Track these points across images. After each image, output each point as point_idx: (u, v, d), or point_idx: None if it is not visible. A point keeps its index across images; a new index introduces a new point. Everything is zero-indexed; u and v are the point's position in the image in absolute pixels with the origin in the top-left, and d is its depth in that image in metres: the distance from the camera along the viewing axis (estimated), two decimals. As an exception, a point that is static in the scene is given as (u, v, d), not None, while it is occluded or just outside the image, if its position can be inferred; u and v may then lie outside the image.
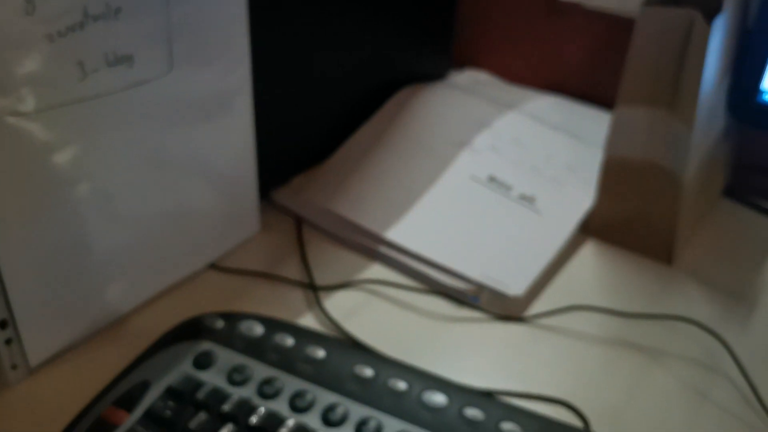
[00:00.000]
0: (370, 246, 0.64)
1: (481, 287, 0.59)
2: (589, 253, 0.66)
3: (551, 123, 0.76)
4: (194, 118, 0.55)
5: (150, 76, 0.51)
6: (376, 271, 0.63)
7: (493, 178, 0.69)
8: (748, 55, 0.65)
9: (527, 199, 0.67)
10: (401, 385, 0.47)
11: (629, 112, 0.61)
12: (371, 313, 0.58)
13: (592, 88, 0.82)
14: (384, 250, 0.63)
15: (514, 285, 0.59)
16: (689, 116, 0.58)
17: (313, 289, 0.60)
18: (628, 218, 0.65)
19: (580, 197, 0.68)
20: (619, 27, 0.78)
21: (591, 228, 0.67)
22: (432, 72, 0.83)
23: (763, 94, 0.65)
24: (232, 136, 0.60)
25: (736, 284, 0.63)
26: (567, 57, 0.83)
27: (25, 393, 0.50)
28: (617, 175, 0.64)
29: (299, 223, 0.67)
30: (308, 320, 0.57)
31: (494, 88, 0.84)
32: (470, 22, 0.88)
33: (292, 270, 0.62)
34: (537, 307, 0.60)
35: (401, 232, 0.63)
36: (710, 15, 0.56)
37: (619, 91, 0.61)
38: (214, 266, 0.62)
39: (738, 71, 0.66)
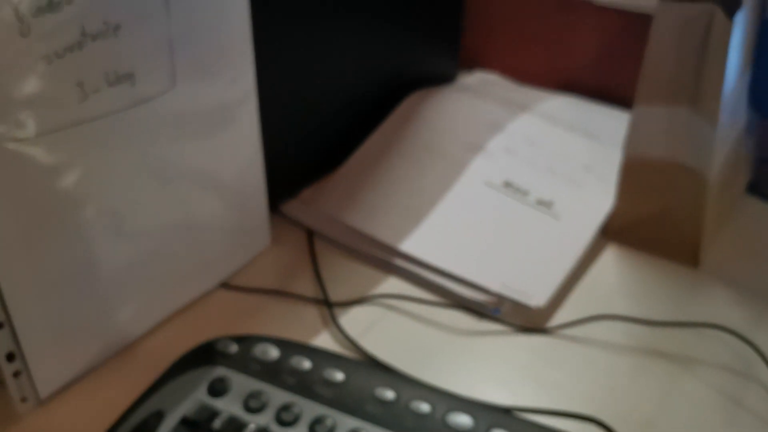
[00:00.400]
0: (385, 259, 0.62)
1: (501, 299, 0.57)
2: (611, 258, 0.64)
3: (565, 123, 0.74)
4: (199, 132, 0.54)
5: (153, 93, 0.49)
6: (392, 284, 0.61)
7: (509, 184, 0.67)
8: (767, 48, 0.63)
9: (545, 204, 0.65)
10: (424, 407, 0.45)
11: (649, 110, 0.59)
12: (389, 330, 0.57)
13: (605, 86, 0.80)
14: (399, 262, 0.61)
15: (536, 295, 0.57)
16: (713, 113, 0.56)
17: (328, 306, 0.58)
18: (651, 220, 0.63)
19: (599, 199, 0.66)
20: (632, 23, 0.76)
21: (612, 231, 0.65)
22: (440, 75, 0.81)
23: (787, 87, 0.63)
24: (239, 149, 0.58)
25: (764, 285, 0.61)
26: (579, 55, 0.81)
27: (36, 426, 0.48)
28: (637, 175, 0.62)
29: (311, 236, 0.65)
30: (324, 338, 0.55)
31: (505, 89, 0.82)
32: (478, 22, 0.86)
33: (306, 286, 0.61)
34: (560, 317, 0.58)
35: (416, 244, 0.61)
36: (731, 9, 0.54)
37: (638, 89, 0.59)
38: (225, 285, 0.60)
39: (759, 65, 0.64)
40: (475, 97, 0.77)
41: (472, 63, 0.88)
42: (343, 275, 0.62)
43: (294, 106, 0.65)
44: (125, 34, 0.46)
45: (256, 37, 0.55)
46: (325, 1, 0.63)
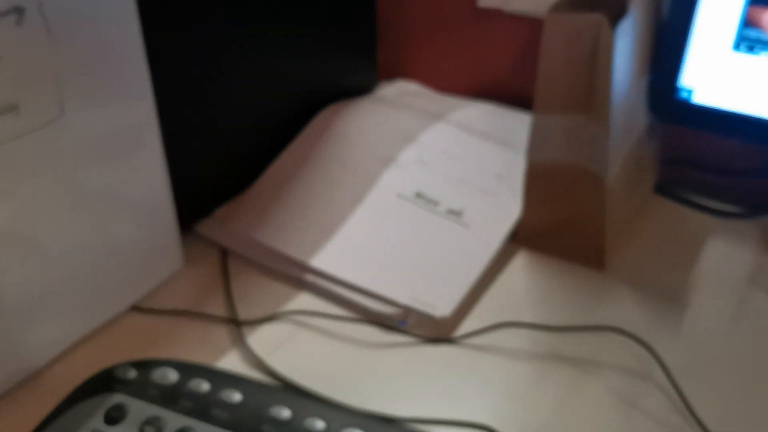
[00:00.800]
0: (297, 275, 0.62)
1: (408, 310, 0.58)
2: (520, 264, 0.65)
3: (481, 131, 0.75)
4: (102, 156, 0.54)
5: (39, 123, 0.49)
6: (304, 300, 0.61)
7: (420, 194, 0.67)
8: (663, 53, 0.64)
9: (455, 213, 0.66)
10: (319, 424, 0.46)
11: (547, 118, 0.60)
12: (298, 346, 0.57)
13: (521, 93, 0.81)
14: (311, 278, 0.62)
15: (442, 306, 0.58)
16: (604, 119, 0.58)
17: (237, 325, 0.58)
18: (556, 225, 0.64)
19: (510, 207, 0.67)
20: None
21: (521, 238, 0.66)
22: (358, 86, 0.81)
23: (681, 91, 0.64)
24: (144, 171, 0.58)
25: (669, 285, 0.63)
26: (495, 63, 0.82)
27: (-67, 462, 0.48)
28: (541, 181, 0.63)
29: (225, 255, 0.65)
30: (232, 358, 0.56)
31: (423, 99, 0.82)
32: (399, 32, 0.87)
33: (217, 306, 0.61)
34: (467, 325, 0.59)
35: (327, 259, 0.62)
36: (614, 19, 0.55)
37: (535, 99, 0.60)
38: (136, 308, 0.60)
39: (655, 70, 0.65)
40: (390, 109, 0.77)
41: (393, 73, 0.89)
42: (257, 293, 0.62)
43: (202, 126, 0.65)
44: (6, 65, 0.46)
45: (154, 59, 0.55)
46: (228, 17, 0.63)
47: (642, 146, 0.68)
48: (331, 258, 0.62)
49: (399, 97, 0.82)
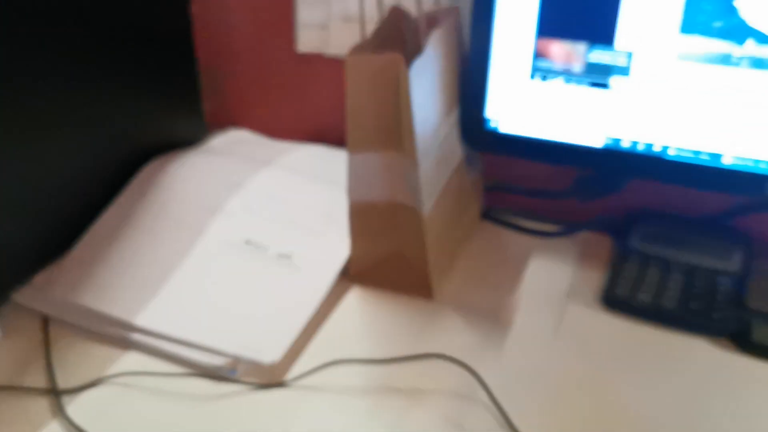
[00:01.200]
0: (122, 335, 0.60)
1: (237, 359, 0.57)
2: (352, 300, 0.66)
3: (310, 173, 0.76)
4: None
5: None
6: (132, 361, 0.59)
7: (249, 241, 0.67)
8: (468, 87, 0.68)
9: (285, 257, 0.66)
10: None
11: (360, 157, 0.62)
12: (125, 410, 0.55)
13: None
14: (137, 337, 0.60)
15: (270, 351, 0.58)
16: (412, 154, 0.60)
17: (56, 395, 0.56)
18: (383, 259, 0.66)
19: (339, 245, 0.68)
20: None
21: (351, 274, 0.67)
22: (185, 138, 0.81)
23: (488, 121, 0.68)
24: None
25: (493, 307, 0.65)
26: (320, 106, 0.84)
27: None
28: (364, 219, 0.65)
29: (46, 322, 0.62)
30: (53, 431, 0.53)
31: (253, 146, 0.83)
32: (224, 80, 0.87)
33: (38, 377, 0.58)
34: (299, 367, 0.58)
35: (153, 316, 0.60)
36: (410, 59, 0.58)
37: (347, 139, 0.62)
38: (-54, 389, 0.56)
39: (463, 103, 0.69)
40: (217, 158, 0.77)
41: (225, 122, 0.89)
42: (80, 360, 0.59)
43: (15, 187, 0.62)
44: None
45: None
46: (39, 69, 0.61)
47: (462, 176, 0.71)
48: (157, 315, 0.61)
49: (229, 146, 0.82)
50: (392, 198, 0.63)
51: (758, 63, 0.58)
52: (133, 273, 0.64)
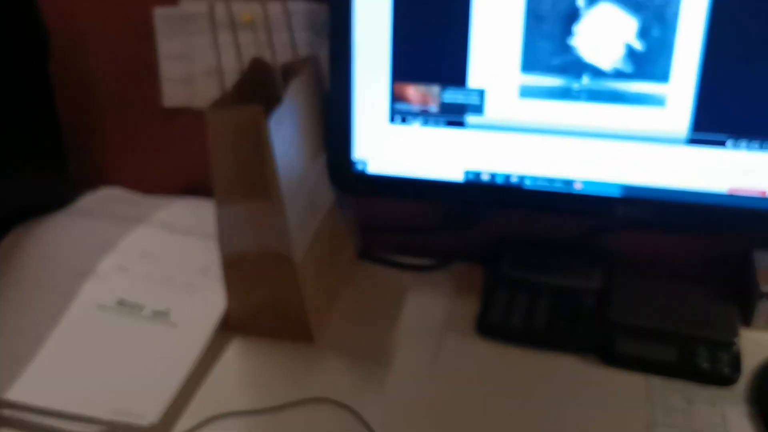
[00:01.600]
0: (-10, 412, 0.58)
1: (113, 425, 0.56)
2: (233, 352, 0.66)
3: (184, 228, 0.76)
4: None
5: None
6: (0, 438, 0.57)
7: (123, 302, 0.66)
8: (332, 132, 0.69)
9: (161, 314, 0.65)
10: None
11: (228, 208, 0.62)
12: (-7, 491, 0.53)
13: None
14: (7, 413, 0.57)
15: (148, 413, 0.56)
16: (279, 202, 0.61)
17: None
18: (261, 308, 0.66)
19: (216, 298, 0.67)
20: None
21: (231, 326, 0.67)
22: (52, 201, 0.79)
23: (356, 164, 0.70)
24: None
25: (373, 345, 0.66)
26: (192, 158, 0.84)
27: None
28: (237, 270, 0.65)
29: None
30: None
31: (125, 204, 0.81)
32: (91, 139, 0.86)
33: None
34: (182, 425, 0.58)
35: (24, 389, 0.58)
36: (269, 109, 0.59)
37: (214, 191, 0.62)
38: None
39: (329, 147, 0.70)
40: (87, 220, 0.76)
41: (96, 181, 0.87)
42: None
43: None
44: None
45: None
46: None
47: (334, 219, 0.73)
48: (28, 387, 0.58)
49: (99, 205, 0.80)
50: (264, 247, 0.63)
51: (595, 95, 0.62)
52: (1, 346, 0.62)
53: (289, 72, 0.66)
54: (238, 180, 0.61)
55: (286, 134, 0.62)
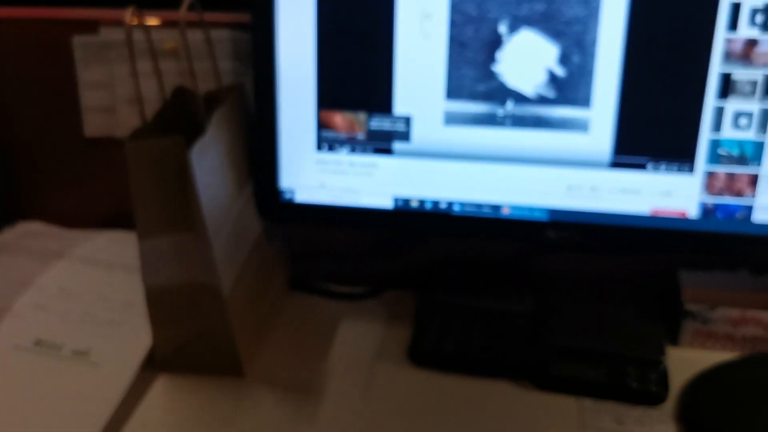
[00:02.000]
0: None
1: (29, 474, 0.53)
2: (160, 389, 0.63)
3: (106, 262, 0.73)
4: None
5: None
6: None
7: (40, 342, 0.63)
8: (258, 162, 0.68)
9: (81, 354, 0.63)
10: None
11: (152, 241, 0.60)
12: None
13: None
14: None
15: (66, 459, 0.54)
16: (204, 234, 0.59)
17: None
18: (188, 343, 0.64)
19: (141, 334, 0.65)
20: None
21: (157, 363, 0.65)
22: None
23: (284, 193, 0.69)
24: None
25: (306, 377, 0.65)
26: (116, 189, 0.81)
27: None
28: (163, 304, 0.63)
29: None
30: None
31: (45, 239, 0.78)
32: (16, 173, 0.83)
33: None
34: (104, 470, 0.55)
35: (-70, 438, 0.55)
36: (191, 140, 0.58)
37: (136, 225, 0.60)
38: None
39: (255, 178, 0.69)
40: (4, 256, 0.72)
41: (15, 215, 0.83)
42: None
43: None
44: None
45: None
46: None
47: (263, 249, 0.71)
48: (-66, 437, 0.55)
49: (17, 241, 0.77)
50: (190, 279, 0.62)
51: (520, 121, 0.63)
52: None
53: (212, 101, 0.65)
54: (161, 212, 0.59)
55: (210, 164, 0.60)
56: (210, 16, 0.66)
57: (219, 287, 0.61)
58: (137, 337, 0.65)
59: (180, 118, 0.65)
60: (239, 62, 0.72)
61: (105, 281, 0.70)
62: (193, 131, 0.60)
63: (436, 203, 0.67)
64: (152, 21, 0.72)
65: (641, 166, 0.63)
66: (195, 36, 0.66)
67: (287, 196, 0.69)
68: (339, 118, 0.66)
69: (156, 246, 0.61)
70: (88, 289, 0.69)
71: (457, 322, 0.70)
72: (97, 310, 0.67)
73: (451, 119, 0.64)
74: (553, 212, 0.65)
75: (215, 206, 0.61)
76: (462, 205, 0.67)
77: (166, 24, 0.72)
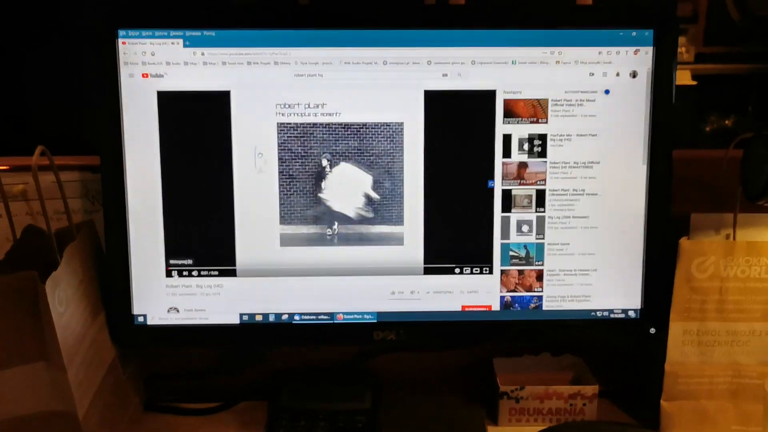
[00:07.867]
0: None
1: None
2: None
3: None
4: None
5: None
6: None
7: None
8: (111, 290, 0.74)
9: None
10: None
11: (4, 374, 0.63)
12: None
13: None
14: None
15: None
16: (59, 362, 0.63)
17: None
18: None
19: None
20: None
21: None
22: None
23: (136, 317, 0.74)
24: None
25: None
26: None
27: None
28: (17, 435, 0.65)
29: None
30: None
31: None
32: None
33: None
34: None
35: None
36: (45, 273, 0.63)
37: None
38: None
39: (107, 305, 0.74)
40: None
41: None
42: None
43: None
44: None
45: None
46: None
47: (118, 373, 0.75)
48: None
49: None
50: (43, 407, 0.64)
51: (345, 239, 0.73)
52: None
53: (64, 237, 0.70)
54: (13, 345, 0.63)
55: (64, 295, 0.65)
56: (60, 159, 0.72)
57: (74, 414, 0.65)
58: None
59: (31, 255, 0.69)
60: (90, 201, 0.78)
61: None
62: (45, 267, 0.65)
63: (278, 316, 0.75)
64: (1, 167, 0.77)
65: (450, 271, 0.74)
66: (45, 178, 0.72)
67: (140, 320, 0.74)
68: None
69: (9, 378, 0.63)
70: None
71: (305, 426, 0.76)
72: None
73: (286, 241, 0.73)
74: (381, 314, 0.75)
75: (69, 334, 0.65)
76: (301, 315, 0.75)
77: (15, 168, 0.77)
